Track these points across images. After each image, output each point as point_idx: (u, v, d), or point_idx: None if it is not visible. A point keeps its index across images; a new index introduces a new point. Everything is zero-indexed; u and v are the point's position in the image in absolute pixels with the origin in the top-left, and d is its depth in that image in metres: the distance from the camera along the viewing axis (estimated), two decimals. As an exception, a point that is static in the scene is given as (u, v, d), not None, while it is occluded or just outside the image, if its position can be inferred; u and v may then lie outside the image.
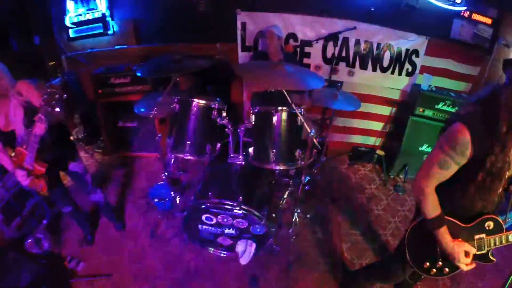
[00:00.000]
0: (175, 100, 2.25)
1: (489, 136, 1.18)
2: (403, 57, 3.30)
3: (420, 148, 3.31)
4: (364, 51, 3.29)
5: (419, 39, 3.21)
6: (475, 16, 3.10)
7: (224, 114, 2.28)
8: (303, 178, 2.38)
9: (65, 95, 1.77)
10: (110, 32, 3.39)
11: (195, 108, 2.20)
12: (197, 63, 2.26)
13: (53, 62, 3.39)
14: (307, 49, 3.31)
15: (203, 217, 2.32)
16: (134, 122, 3.52)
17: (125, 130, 3.59)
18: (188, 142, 2.23)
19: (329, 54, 3.32)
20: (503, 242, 1.41)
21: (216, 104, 2.24)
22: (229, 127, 2.23)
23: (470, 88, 3.40)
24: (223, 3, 3.21)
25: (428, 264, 1.53)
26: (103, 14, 3.33)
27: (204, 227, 2.39)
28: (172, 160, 2.89)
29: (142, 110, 2.70)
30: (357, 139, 3.84)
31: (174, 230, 2.76)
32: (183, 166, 3.19)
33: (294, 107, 2.00)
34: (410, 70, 3.36)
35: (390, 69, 3.37)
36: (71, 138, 2.54)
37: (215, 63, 3.12)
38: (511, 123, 1.15)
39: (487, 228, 1.41)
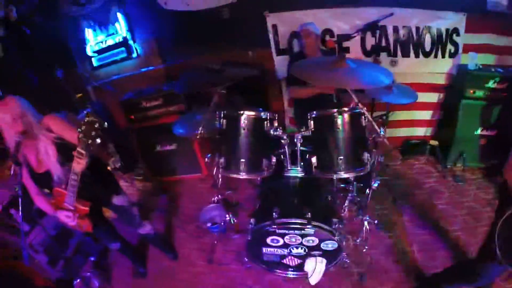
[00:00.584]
0: (221, 116, 2.09)
1: None
2: (444, 38, 3.07)
3: (475, 132, 3.07)
4: (404, 37, 3.07)
5: (457, 16, 2.98)
6: (511, -16, 2.83)
7: (276, 124, 2.10)
8: (372, 181, 2.16)
9: (106, 124, 1.54)
10: (134, 55, 3.32)
11: (246, 121, 2.02)
12: (243, 71, 2.09)
13: (80, 94, 3.31)
14: (345, 44, 3.11)
15: (268, 240, 2.12)
16: (173, 145, 3.37)
17: (164, 154, 3.44)
18: (243, 160, 2.05)
19: (368, 46, 3.12)
20: None
21: (267, 114, 2.06)
22: (285, 137, 2.04)
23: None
24: (247, 7, 3.05)
25: None
26: (125, 38, 3.25)
27: (269, 249, 2.19)
28: (220, 179, 2.72)
29: (181, 131, 2.58)
30: (405, 131, 3.59)
31: (232, 254, 2.59)
32: (231, 185, 3.02)
33: (360, 106, 1.80)
34: (452, 50, 3.12)
35: (433, 53, 3.13)
36: (109, 169, 2.40)
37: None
38: None
39: None
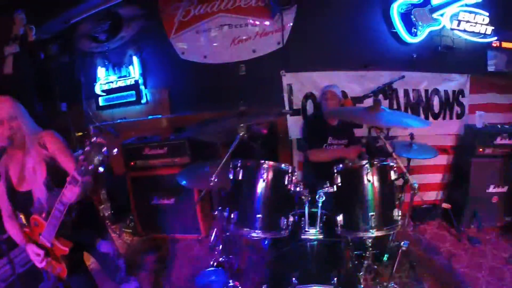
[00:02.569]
0: (237, 165, 1.90)
1: None
2: (451, 99, 3.22)
3: (487, 190, 3.02)
4: (414, 100, 3.18)
5: (462, 78, 3.17)
6: (505, 44, 3.13)
7: (295, 179, 1.92)
8: (402, 243, 1.93)
9: (116, 150, 1.29)
10: (143, 101, 3.25)
11: (266, 173, 1.83)
12: (266, 114, 1.99)
13: (80, 133, 3.13)
14: (358, 105, 3.13)
15: None
16: (171, 199, 3.09)
17: (160, 208, 3.13)
18: (259, 216, 1.81)
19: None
20: None
21: (289, 168, 1.89)
22: (306, 193, 1.84)
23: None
24: (264, 65, 3.14)
25: None
26: (136, 82, 3.22)
27: None
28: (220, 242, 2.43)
29: (185, 182, 2.37)
30: (416, 196, 3.47)
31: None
32: (232, 248, 2.71)
33: (394, 156, 1.69)
34: (459, 112, 3.25)
35: (442, 115, 3.23)
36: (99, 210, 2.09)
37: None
38: None
39: None
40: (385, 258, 2.54)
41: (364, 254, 2.41)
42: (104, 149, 1.23)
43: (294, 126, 3.23)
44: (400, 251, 1.99)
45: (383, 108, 1.82)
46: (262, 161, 1.85)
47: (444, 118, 3.22)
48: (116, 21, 3.24)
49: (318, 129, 2.71)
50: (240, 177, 1.88)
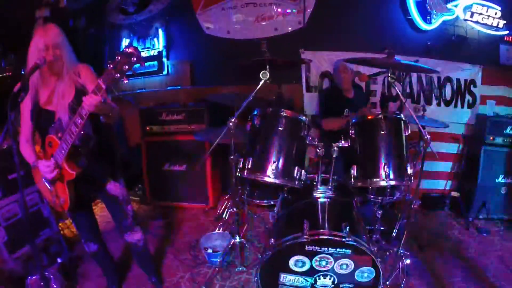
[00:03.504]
0: (257, 113, 1.96)
1: None
2: (462, 88, 3.30)
3: (497, 180, 3.06)
4: (427, 86, 3.27)
5: (474, 68, 3.26)
6: (517, 39, 3.22)
7: (312, 132, 1.98)
8: (414, 202, 1.94)
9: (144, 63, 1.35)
10: (164, 72, 3.35)
11: (284, 121, 1.88)
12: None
13: None
14: (372, 87, 3.27)
15: (292, 262, 1.72)
16: (183, 166, 3.14)
17: (171, 174, 3.18)
18: (274, 161, 1.85)
19: (393, 91, 3.27)
20: None
21: (306, 120, 1.95)
22: (320, 147, 1.84)
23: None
24: (285, 42, 3.25)
25: None
26: (159, 52, 3.35)
27: (289, 277, 1.76)
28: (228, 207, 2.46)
29: (202, 138, 2.44)
30: (425, 184, 3.49)
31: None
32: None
33: (411, 111, 1.75)
34: (471, 101, 3.32)
35: (453, 102, 3.30)
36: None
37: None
38: None
39: None
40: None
41: (373, 228, 2.45)
42: (134, 58, 1.27)
43: (310, 102, 3.32)
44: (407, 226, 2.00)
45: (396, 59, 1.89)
46: (281, 109, 1.90)
47: (455, 106, 3.29)
48: (147, -5, 3.39)
49: (334, 101, 2.78)
50: (258, 125, 1.93)
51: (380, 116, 1.83)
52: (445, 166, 3.46)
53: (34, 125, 1.62)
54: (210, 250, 2.36)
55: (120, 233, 1.91)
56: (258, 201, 2.36)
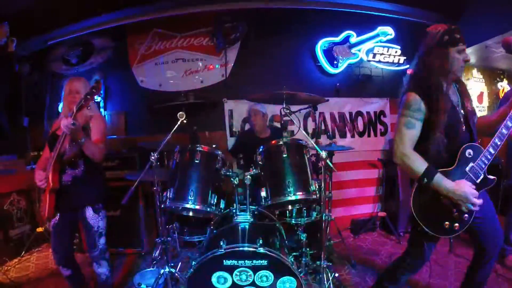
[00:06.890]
0: (176, 150, 2.16)
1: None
2: (373, 119, 3.79)
3: None
4: (340, 122, 3.73)
5: (382, 101, 3.80)
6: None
7: (226, 165, 2.22)
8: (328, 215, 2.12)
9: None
10: (101, 122, 3.46)
11: (200, 155, 2.08)
12: None
13: (35, 153, 3.20)
14: (290, 127, 3.57)
15: (214, 279, 1.79)
16: (117, 211, 3.10)
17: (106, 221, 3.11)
18: (192, 189, 2.01)
19: (310, 129, 3.68)
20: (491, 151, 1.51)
21: (221, 154, 2.18)
22: (235, 176, 2.08)
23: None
24: (210, 93, 3.60)
25: (447, 223, 1.54)
26: (97, 103, 3.48)
27: None
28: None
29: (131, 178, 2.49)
30: (355, 210, 3.80)
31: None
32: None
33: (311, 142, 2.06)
34: (383, 130, 3.81)
35: (366, 133, 3.75)
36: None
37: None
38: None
39: (469, 156, 1.53)
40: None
41: (301, 252, 2.55)
42: (94, 90, 1.74)
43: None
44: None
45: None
46: (197, 145, 2.11)
47: (369, 135, 3.75)
48: (89, 49, 3.66)
49: (246, 140, 3.11)
50: (177, 159, 2.13)
51: (280, 142, 2.08)
52: (370, 191, 3.80)
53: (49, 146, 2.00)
54: (143, 286, 2.30)
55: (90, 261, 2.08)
56: (188, 237, 2.46)
